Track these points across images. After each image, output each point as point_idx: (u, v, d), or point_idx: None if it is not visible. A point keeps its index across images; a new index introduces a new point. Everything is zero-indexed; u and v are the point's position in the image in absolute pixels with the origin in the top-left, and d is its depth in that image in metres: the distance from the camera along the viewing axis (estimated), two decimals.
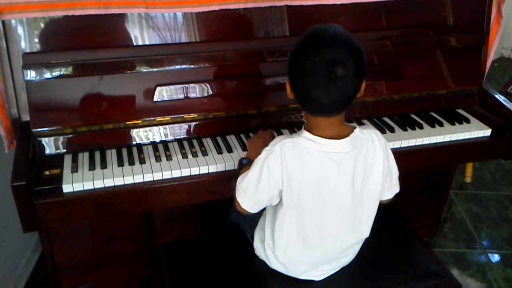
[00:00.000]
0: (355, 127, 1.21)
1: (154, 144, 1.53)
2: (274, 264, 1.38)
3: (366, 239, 1.38)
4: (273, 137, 1.27)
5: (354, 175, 1.21)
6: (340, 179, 1.21)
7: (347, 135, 1.18)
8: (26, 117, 1.47)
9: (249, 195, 1.24)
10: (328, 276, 1.39)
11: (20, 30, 1.42)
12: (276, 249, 1.33)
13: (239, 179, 1.27)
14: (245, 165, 1.36)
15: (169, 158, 1.46)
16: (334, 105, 1.14)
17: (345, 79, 1.09)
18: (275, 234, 1.31)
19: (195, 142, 1.55)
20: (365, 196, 1.26)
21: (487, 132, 1.70)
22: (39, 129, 1.43)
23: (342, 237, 1.31)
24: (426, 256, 1.51)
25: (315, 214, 1.25)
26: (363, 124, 1.69)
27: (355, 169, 1.21)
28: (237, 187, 1.27)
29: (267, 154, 1.19)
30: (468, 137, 1.69)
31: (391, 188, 1.33)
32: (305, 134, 1.19)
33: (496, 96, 1.80)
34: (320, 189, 1.21)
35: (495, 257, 2.27)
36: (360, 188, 1.24)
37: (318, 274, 1.37)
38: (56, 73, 1.42)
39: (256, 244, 1.43)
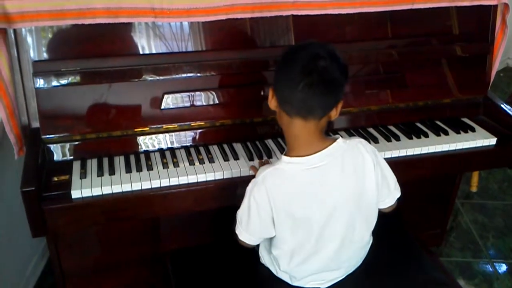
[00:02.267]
0: (337, 138, 1.22)
1: (161, 151, 1.55)
2: (280, 272, 1.39)
3: (372, 248, 1.39)
4: None
5: (343, 184, 1.22)
6: (329, 193, 1.22)
7: (324, 149, 1.20)
8: (35, 124, 1.48)
9: (243, 226, 1.27)
10: (334, 284, 1.39)
11: (30, 39, 1.44)
12: (280, 265, 1.35)
13: (238, 210, 1.29)
14: None
15: (176, 165, 1.48)
16: (314, 99, 1.14)
17: (327, 71, 1.13)
18: (278, 257, 1.33)
19: (202, 149, 1.56)
20: (362, 205, 1.27)
21: (492, 141, 1.71)
22: (48, 136, 1.45)
23: (343, 248, 1.32)
24: (431, 265, 1.50)
25: (313, 231, 1.25)
26: (368, 132, 1.70)
27: (343, 179, 1.22)
28: (236, 218, 1.30)
29: (252, 186, 1.22)
30: (473, 145, 1.69)
31: (390, 195, 1.34)
32: (284, 158, 1.21)
33: (502, 105, 1.80)
34: (312, 207, 1.22)
35: (502, 267, 2.26)
36: (355, 197, 1.25)
37: (323, 282, 1.38)
38: (65, 81, 1.44)
39: (262, 252, 1.43)
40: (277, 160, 1.27)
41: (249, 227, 1.27)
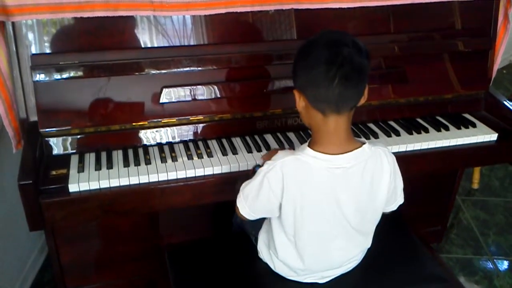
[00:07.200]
0: (364, 143, 1.20)
1: (160, 145, 1.54)
2: (278, 267, 1.38)
3: (371, 243, 1.38)
4: None
5: (359, 189, 1.21)
6: (345, 194, 1.21)
7: (352, 150, 1.18)
8: (34, 117, 1.48)
9: (248, 202, 1.25)
10: (332, 279, 1.38)
11: (29, 32, 1.43)
12: (280, 258, 1.34)
13: (243, 184, 1.27)
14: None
15: (174, 159, 1.47)
16: (350, 90, 1.12)
17: (355, 58, 1.10)
18: (281, 249, 1.32)
19: (200, 143, 1.55)
20: (369, 211, 1.27)
21: (493, 136, 1.70)
22: (46, 130, 1.44)
23: (346, 250, 1.32)
24: (432, 262, 1.50)
25: (319, 229, 1.25)
26: (369, 127, 1.69)
27: (361, 184, 1.21)
28: (240, 191, 1.27)
29: (268, 168, 1.19)
30: (474, 141, 1.68)
31: (395, 201, 1.34)
32: (308, 151, 1.18)
33: (503, 101, 1.79)
34: (325, 204, 1.21)
35: (502, 264, 2.25)
36: (365, 203, 1.24)
37: (321, 278, 1.37)
38: (64, 74, 1.44)
39: (260, 247, 1.43)
40: (296, 149, 1.24)
41: (253, 205, 1.25)
